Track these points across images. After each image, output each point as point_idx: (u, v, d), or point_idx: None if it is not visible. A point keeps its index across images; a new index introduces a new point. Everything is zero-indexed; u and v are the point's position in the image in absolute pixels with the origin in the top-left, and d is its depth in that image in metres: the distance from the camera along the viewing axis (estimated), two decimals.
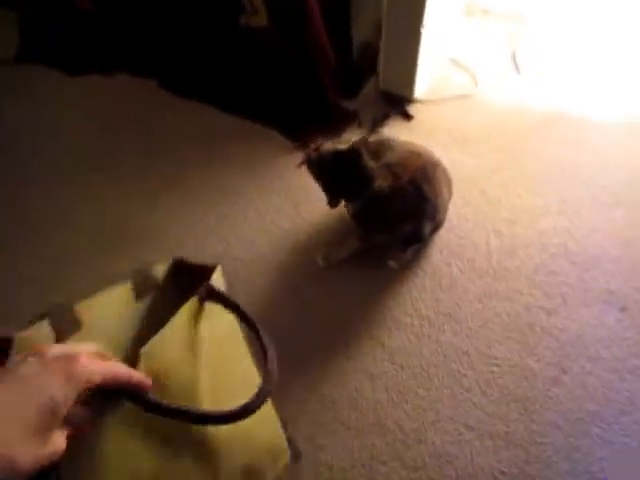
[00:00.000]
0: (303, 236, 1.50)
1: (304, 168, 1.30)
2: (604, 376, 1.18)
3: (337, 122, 1.76)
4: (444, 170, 1.33)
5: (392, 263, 1.38)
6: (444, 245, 1.43)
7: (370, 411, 1.17)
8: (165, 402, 0.57)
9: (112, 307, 0.68)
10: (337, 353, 1.25)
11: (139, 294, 0.72)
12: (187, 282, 0.73)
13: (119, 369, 0.51)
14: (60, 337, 0.60)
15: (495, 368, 1.21)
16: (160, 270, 0.74)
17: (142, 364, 0.59)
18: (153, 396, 0.56)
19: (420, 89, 1.77)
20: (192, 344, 0.67)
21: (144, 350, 0.59)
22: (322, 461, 1.11)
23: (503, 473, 1.08)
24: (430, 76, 1.80)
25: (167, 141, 1.85)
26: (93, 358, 0.48)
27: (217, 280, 0.72)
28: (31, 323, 0.58)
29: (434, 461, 1.11)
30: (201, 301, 0.69)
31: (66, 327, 0.61)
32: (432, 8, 1.51)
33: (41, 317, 0.59)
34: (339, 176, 1.22)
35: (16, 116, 2.04)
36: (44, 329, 0.59)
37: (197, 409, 0.62)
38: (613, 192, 1.50)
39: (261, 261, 1.47)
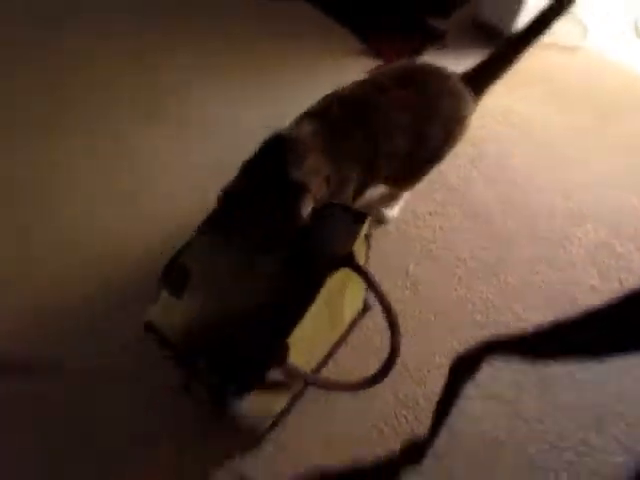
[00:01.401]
0: None
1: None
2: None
3: (418, 37, 1.57)
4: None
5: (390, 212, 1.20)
6: (505, 196, 1.26)
7: (376, 334, 1.05)
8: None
9: None
10: None
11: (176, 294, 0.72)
12: None
13: None
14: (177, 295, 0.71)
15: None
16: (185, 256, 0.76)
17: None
18: None
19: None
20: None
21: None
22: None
23: (498, 441, 0.95)
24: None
25: (241, 19, 1.69)
26: None
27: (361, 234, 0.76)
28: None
29: (427, 406, 0.99)
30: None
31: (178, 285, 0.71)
32: None
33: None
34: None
35: None
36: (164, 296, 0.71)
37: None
38: None
39: None
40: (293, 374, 0.68)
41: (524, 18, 1.52)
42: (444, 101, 0.96)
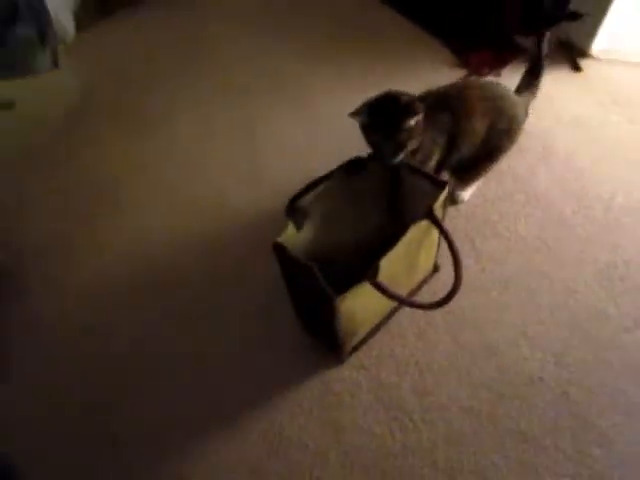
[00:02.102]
0: None
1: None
2: None
3: (505, 53, 1.80)
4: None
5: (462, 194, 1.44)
6: (567, 188, 1.45)
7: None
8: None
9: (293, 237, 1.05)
10: None
11: (297, 227, 1.06)
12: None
13: None
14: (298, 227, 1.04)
15: (572, 300, 1.26)
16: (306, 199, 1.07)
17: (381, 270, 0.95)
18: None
19: (598, 47, 1.73)
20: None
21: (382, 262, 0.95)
22: None
23: (541, 380, 1.15)
24: (612, 38, 1.74)
25: (341, 33, 2.03)
26: None
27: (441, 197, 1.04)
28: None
29: (480, 347, 1.21)
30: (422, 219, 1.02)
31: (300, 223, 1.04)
32: None
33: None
34: None
35: None
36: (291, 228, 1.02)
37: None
38: None
39: None
40: (380, 288, 0.95)
41: (602, 36, 1.69)
42: (510, 105, 1.26)
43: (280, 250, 0.99)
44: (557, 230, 1.37)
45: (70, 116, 1.91)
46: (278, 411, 1.19)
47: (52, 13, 1.77)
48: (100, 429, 1.21)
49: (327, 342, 1.22)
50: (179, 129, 1.82)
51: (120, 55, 2.13)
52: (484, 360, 1.20)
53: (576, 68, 1.75)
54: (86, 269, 1.49)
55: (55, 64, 1.80)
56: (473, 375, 1.18)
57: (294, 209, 1.03)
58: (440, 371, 1.20)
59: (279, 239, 1.00)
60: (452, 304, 1.21)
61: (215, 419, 1.20)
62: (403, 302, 1.09)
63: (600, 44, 1.72)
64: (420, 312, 1.27)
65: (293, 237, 1.02)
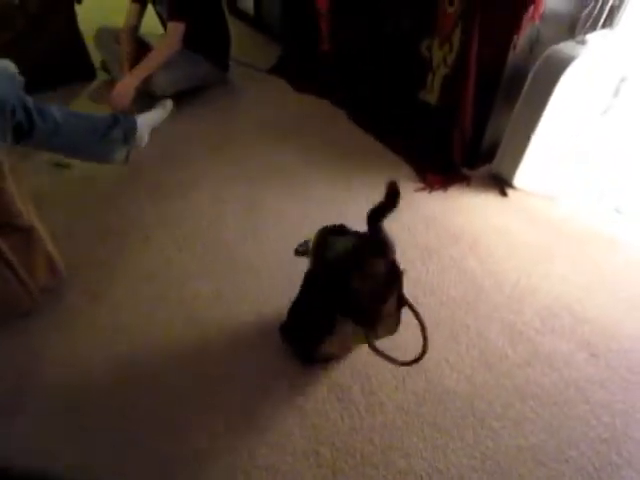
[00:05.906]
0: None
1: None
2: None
3: (453, 178, 2.45)
4: None
5: None
6: (487, 269, 1.99)
7: None
8: None
9: None
10: None
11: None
12: None
13: None
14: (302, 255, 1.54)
15: (483, 342, 1.72)
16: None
17: None
18: None
19: (518, 182, 2.39)
20: None
21: None
22: None
23: (455, 392, 1.57)
24: (527, 177, 2.39)
25: (332, 147, 2.69)
26: None
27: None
28: None
29: (412, 368, 1.64)
30: None
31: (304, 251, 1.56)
32: (543, 132, 2.18)
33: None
34: None
35: (250, 101, 3.08)
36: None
37: None
38: None
39: None
40: (375, 349, 1.42)
41: (520, 175, 2.36)
42: None
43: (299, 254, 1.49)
44: (477, 294, 1.88)
45: (115, 181, 2.46)
46: (257, 402, 1.57)
47: (137, 126, 2.40)
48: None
49: (301, 352, 1.63)
50: (201, 196, 2.36)
51: (163, 139, 2.75)
52: (415, 375, 1.62)
53: (503, 194, 2.39)
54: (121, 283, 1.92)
55: (127, 160, 2.36)
56: (407, 385, 1.60)
57: (297, 251, 1.54)
58: (383, 379, 1.61)
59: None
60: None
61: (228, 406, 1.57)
62: (382, 355, 1.41)
63: (519, 180, 2.38)
64: None
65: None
